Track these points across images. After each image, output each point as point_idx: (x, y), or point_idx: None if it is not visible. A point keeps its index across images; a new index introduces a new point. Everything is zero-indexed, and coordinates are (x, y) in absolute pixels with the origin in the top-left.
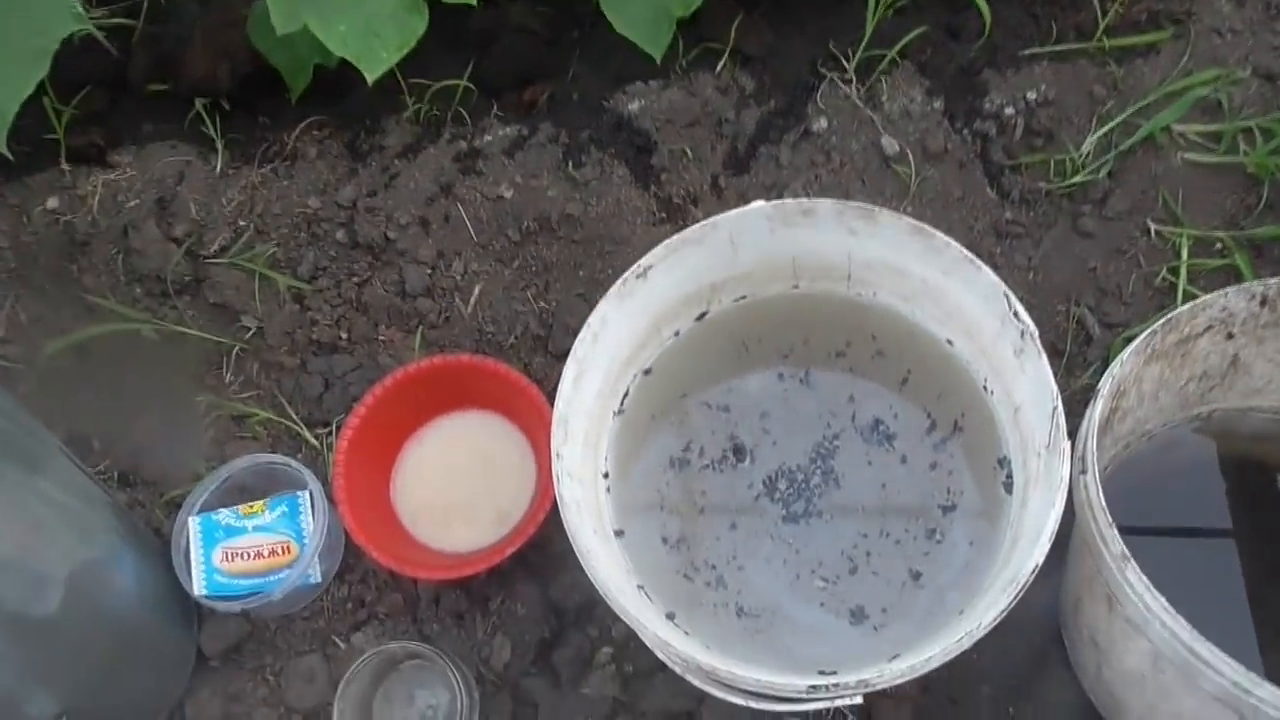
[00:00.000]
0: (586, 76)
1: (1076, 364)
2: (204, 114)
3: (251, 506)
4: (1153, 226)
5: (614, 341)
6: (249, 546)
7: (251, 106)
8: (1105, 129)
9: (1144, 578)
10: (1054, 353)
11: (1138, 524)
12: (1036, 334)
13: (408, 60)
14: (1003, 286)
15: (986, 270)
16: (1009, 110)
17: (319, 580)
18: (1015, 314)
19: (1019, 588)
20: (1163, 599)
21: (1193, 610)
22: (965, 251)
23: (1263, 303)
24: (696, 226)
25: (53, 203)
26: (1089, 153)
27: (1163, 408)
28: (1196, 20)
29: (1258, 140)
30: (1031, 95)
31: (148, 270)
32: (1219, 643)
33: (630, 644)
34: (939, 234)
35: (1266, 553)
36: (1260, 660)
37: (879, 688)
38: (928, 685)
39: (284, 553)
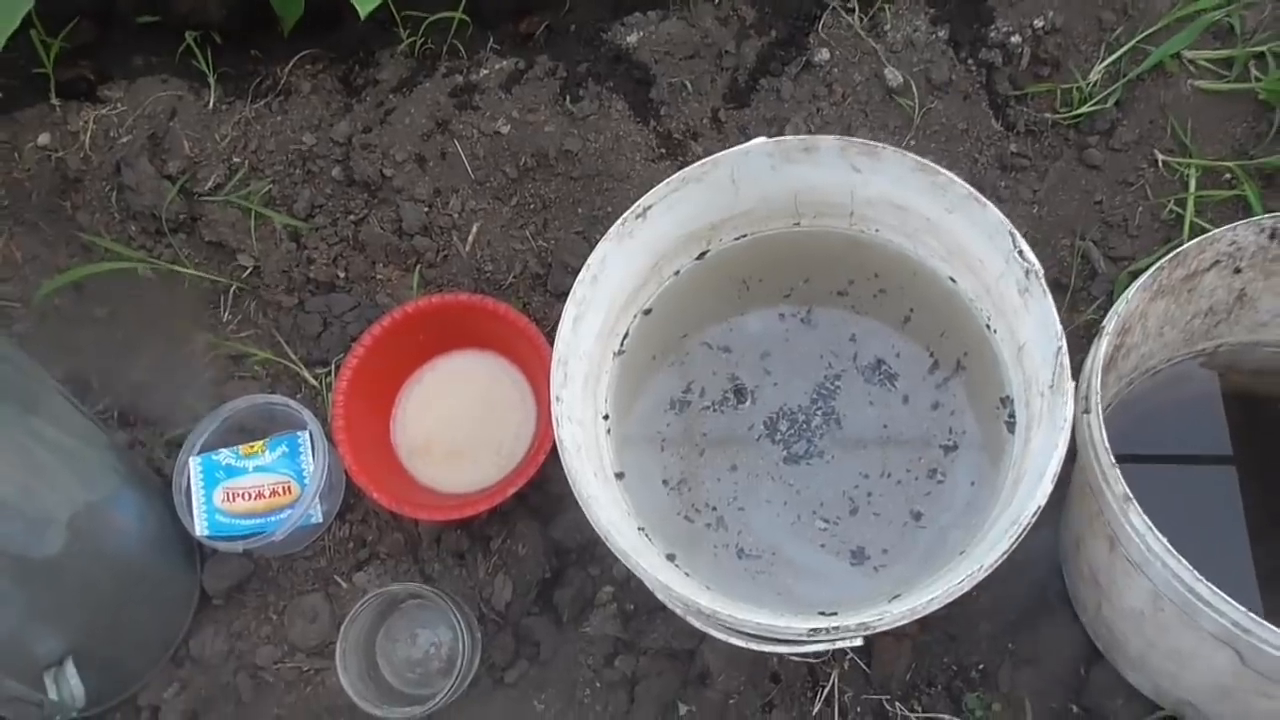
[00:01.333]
0: (583, 7)
1: (1081, 299)
2: (195, 47)
3: (252, 447)
4: (1160, 157)
5: (614, 282)
6: (250, 486)
7: (243, 40)
8: (1114, 57)
9: (1145, 518)
10: (1058, 287)
11: (1141, 458)
12: (1041, 273)
13: None
14: (1008, 224)
15: (992, 208)
16: (1015, 38)
17: (320, 520)
18: (1020, 253)
19: (1021, 529)
20: (1164, 540)
21: (1193, 543)
22: (970, 188)
23: (1271, 236)
24: (697, 164)
25: (44, 139)
26: (1096, 82)
27: (1168, 343)
28: None
29: (1270, 66)
30: (1038, 22)
31: (142, 208)
32: (1218, 577)
33: (631, 582)
34: (944, 171)
35: (1268, 486)
36: (1259, 595)
37: (879, 630)
38: (927, 623)
39: (285, 493)
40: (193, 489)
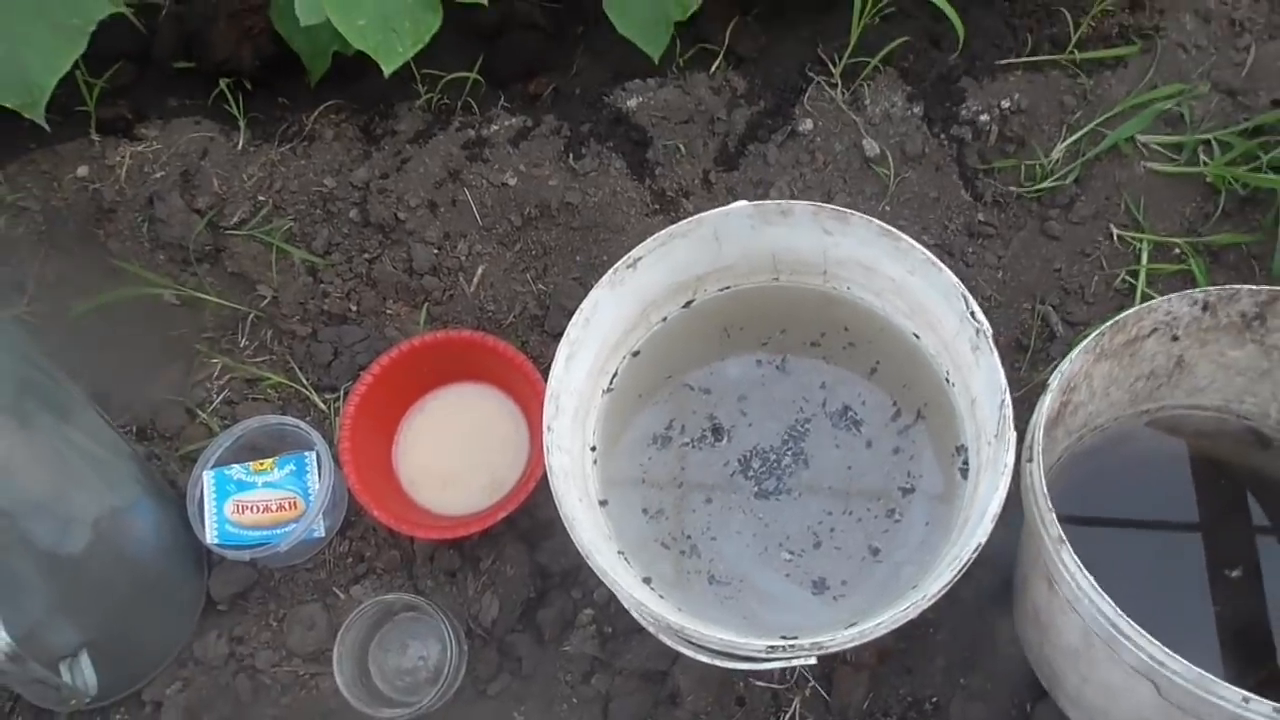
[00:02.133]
0: (588, 71)
1: (1040, 359)
2: (227, 92)
3: (262, 464)
4: (1115, 231)
5: (605, 325)
6: (259, 501)
7: (272, 87)
8: (1074, 137)
9: (1076, 559)
10: (1019, 348)
11: (1091, 510)
12: (990, 332)
13: (421, 52)
14: (961, 287)
15: (947, 271)
16: (984, 117)
17: (322, 535)
18: (972, 313)
19: (963, 564)
20: (1091, 578)
21: (1143, 594)
22: (928, 253)
23: (1204, 308)
24: (684, 222)
25: (82, 171)
26: (1058, 159)
27: (1114, 403)
28: (1164, 35)
29: (1216, 152)
30: (1006, 103)
31: (171, 238)
32: (1172, 625)
33: (610, 606)
34: (904, 236)
35: (1213, 541)
36: (1216, 642)
37: (831, 650)
38: (885, 655)
39: (291, 508)
40: (205, 500)
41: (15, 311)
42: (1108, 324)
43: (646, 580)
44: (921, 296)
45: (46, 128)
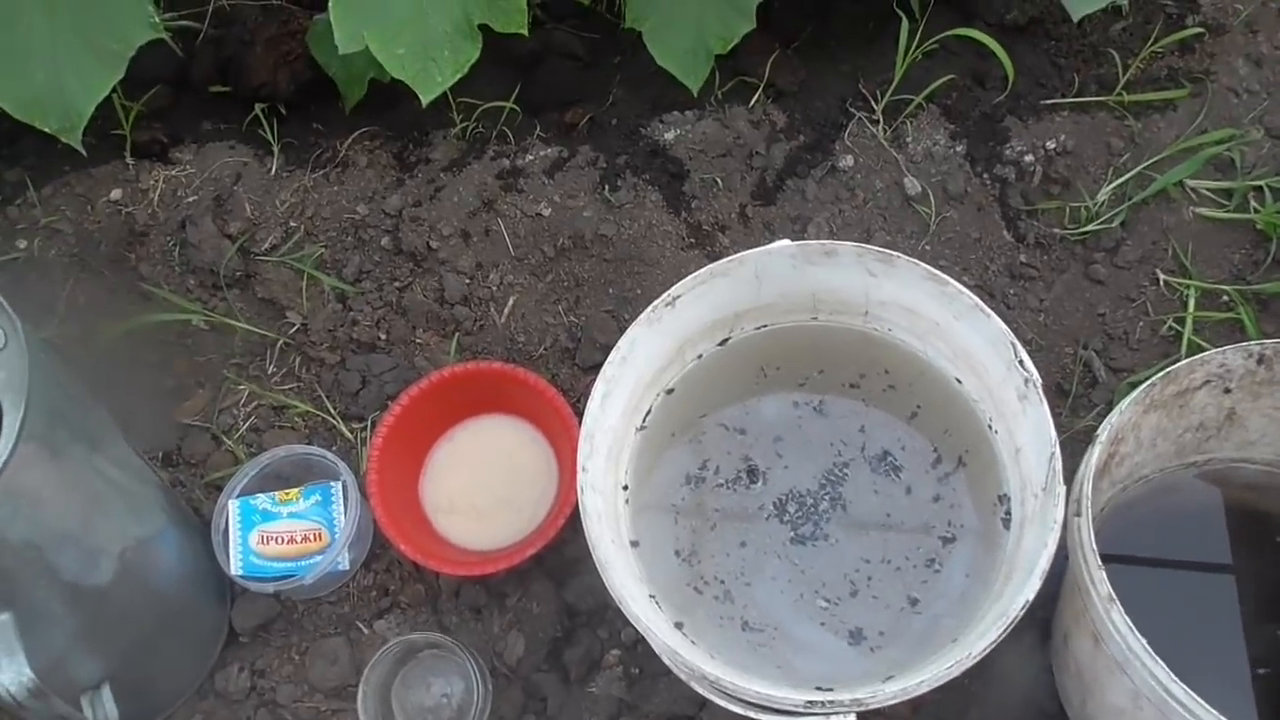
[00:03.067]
0: (625, 102)
1: (1081, 405)
2: (262, 117)
3: (288, 494)
4: (1162, 277)
5: (641, 363)
6: (284, 531)
7: (307, 113)
8: (1120, 180)
9: (1127, 619)
10: (1060, 393)
11: (1131, 559)
12: (1039, 382)
13: (459, 82)
14: (1010, 335)
15: (995, 319)
16: (1028, 157)
17: (347, 567)
18: (1020, 362)
19: (1009, 621)
20: (1143, 641)
21: (1183, 648)
22: (976, 299)
23: (1260, 361)
24: (725, 261)
25: (116, 194)
26: (1104, 202)
27: (1160, 454)
28: (1214, 79)
29: (1267, 198)
30: (1051, 144)
31: (201, 263)
32: (1210, 682)
33: (638, 647)
34: (952, 281)
35: (1260, 595)
36: (1253, 700)
37: (872, 707)
38: (919, 706)
39: (316, 539)
40: (230, 530)
41: (45, 334)
42: (1159, 375)
43: (678, 625)
44: (966, 342)
45: (84, 153)
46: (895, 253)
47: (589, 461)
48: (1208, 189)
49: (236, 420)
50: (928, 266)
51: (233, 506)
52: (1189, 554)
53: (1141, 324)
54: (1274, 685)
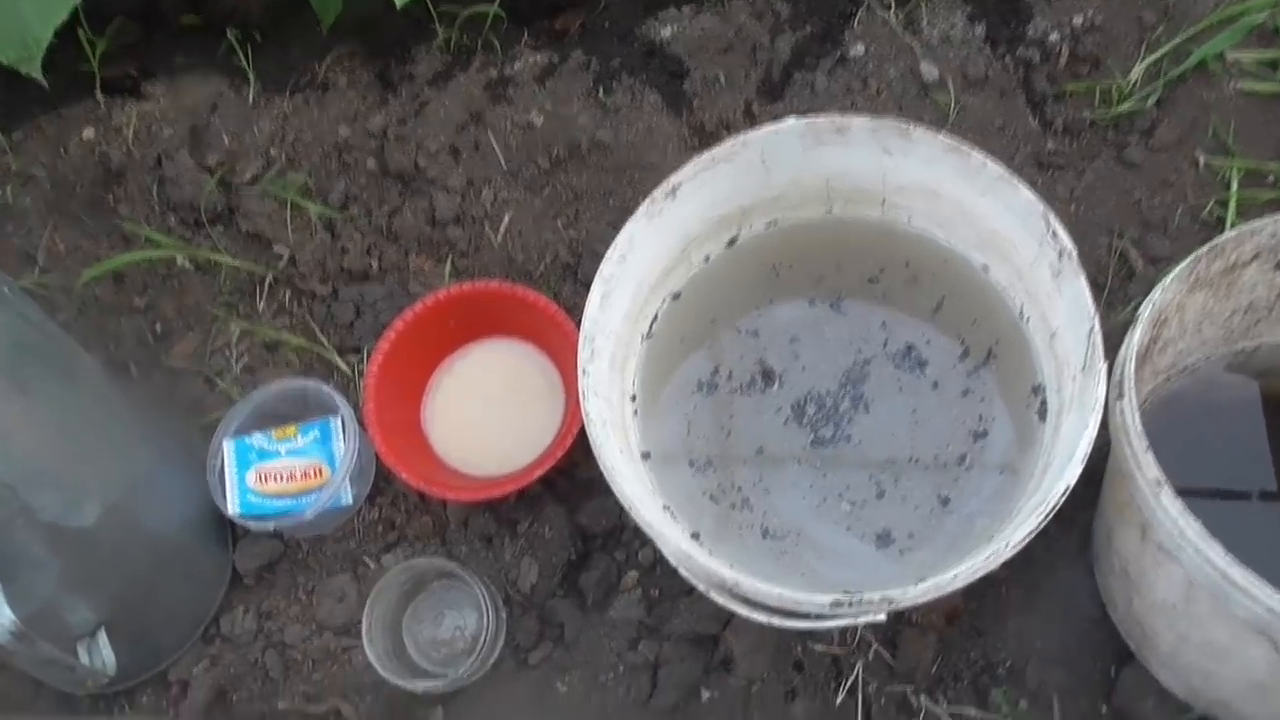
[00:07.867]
0: (618, 3)
1: (1117, 298)
2: (236, 45)
3: (284, 430)
4: (1201, 158)
5: (642, 263)
6: (282, 469)
7: (283, 38)
8: (1154, 56)
9: (1178, 501)
10: (1095, 287)
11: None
12: (1075, 252)
13: None
14: (1041, 205)
15: (1024, 188)
16: (1054, 36)
17: (350, 502)
18: (1053, 233)
19: (1049, 508)
20: (1197, 523)
21: (1232, 546)
22: (1003, 169)
23: None
24: (727, 143)
25: (88, 133)
26: (1136, 81)
27: (1206, 340)
28: None
29: None
30: (1078, 20)
31: (181, 199)
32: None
33: (656, 568)
34: (975, 151)
35: None
36: None
37: (903, 606)
38: (954, 615)
39: (316, 475)
40: (226, 470)
41: (25, 283)
42: (1205, 248)
43: (695, 536)
44: (993, 222)
45: (45, 84)
46: (912, 124)
47: (590, 365)
48: (1251, 60)
49: (229, 361)
50: (948, 138)
51: (227, 446)
52: (1235, 451)
53: (1180, 209)
54: None
